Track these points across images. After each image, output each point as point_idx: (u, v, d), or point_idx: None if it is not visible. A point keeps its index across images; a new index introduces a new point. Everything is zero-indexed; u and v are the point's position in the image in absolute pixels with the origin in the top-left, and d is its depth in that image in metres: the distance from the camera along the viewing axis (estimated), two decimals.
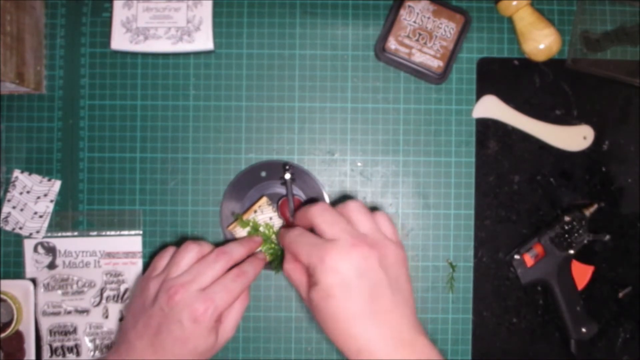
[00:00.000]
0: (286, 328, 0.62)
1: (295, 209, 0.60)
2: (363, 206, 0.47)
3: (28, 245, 0.62)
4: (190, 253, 0.51)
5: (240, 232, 0.60)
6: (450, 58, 0.61)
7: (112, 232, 0.62)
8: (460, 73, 0.63)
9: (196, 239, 0.62)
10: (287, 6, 0.63)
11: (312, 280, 0.43)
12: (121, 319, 0.62)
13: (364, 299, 0.41)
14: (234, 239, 0.60)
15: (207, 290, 0.48)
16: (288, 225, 0.58)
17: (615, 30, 0.63)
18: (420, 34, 0.61)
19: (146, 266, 0.62)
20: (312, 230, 0.47)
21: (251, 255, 0.56)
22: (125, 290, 0.62)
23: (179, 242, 0.62)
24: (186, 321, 0.46)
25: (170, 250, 0.53)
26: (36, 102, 0.63)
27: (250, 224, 0.60)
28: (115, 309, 0.62)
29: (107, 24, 0.62)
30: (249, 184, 0.62)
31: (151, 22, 0.61)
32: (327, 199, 0.62)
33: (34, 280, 0.62)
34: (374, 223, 0.46)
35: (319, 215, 0.45)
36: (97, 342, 0.62)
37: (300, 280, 0.46)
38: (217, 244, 0.54)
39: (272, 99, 0.63)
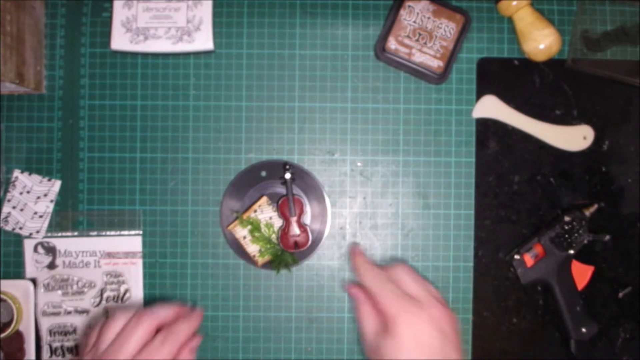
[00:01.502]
0: (286, 328, 0.62)
1: (300, 213, 0.60)
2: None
3: (28, 245, 0.62)
4: (117, 322, 0.48)
5: (241, 231, 0.60)
6: (450, 58, 0.61)
7: (112, 232, 0.62)
8: (460, 73, 0.63)
9: (195, 240, 0.62)
10: (287, 6, 0.63)
11: (386, 327, 0.45)
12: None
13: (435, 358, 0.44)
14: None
15: None
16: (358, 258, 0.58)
17: (615, 30, 0.63)
18: (420, 34, 0.61)
19: (146, 265, 0.62)
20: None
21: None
22: (125, 291, 0.62)
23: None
24: None
25: (100, 323, 0.50)
26: (36, 102, 0.63)
27: (250, 221, 0.60)
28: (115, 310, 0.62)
29: (107, 24, 0.62)
30: (249, 183, 0.62)
31: (151, 22, 0.61)
32: (327, 199, 0.62)
33: (34, 280, 0.62)
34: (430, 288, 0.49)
35: (406, 273, 0.48)
36: None
37: (372, 324, 0.48)
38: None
39: (272, 99, 0.63)
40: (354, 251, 0.51)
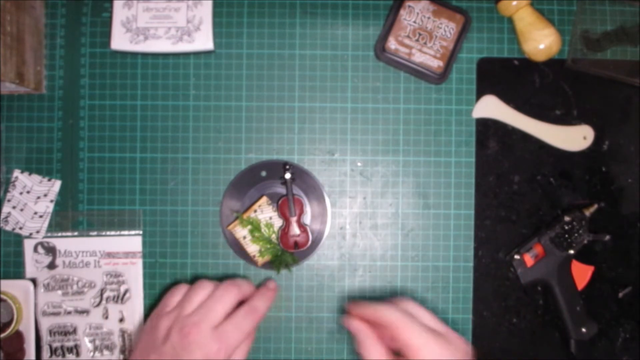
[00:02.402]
0: (286, 328, 0.62)
1: (300, 213, 0.60)
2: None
3: (28, 245, 0.62)
4: (204, 290, 0.51)
5: (241, 231, 0.60)
6: (450, 58, 0.61)
7: (112, 232, 0.62)
8: (460, 73, 0.63)
9: (195, 240, 0.62)
10: (287, 6, 0.63)
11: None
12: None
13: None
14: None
15: (220, 330, 0.48)
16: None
17: (615, 30, 0.63)
18: (420, 34, 0.61)
19: (146, 265, 0.62)
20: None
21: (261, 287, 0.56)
22: (125, 291, 0.62)
23: (191, 280, 0.62)
24: None
25: (183, 287, 0.53)
26: (36, 102, 0.63)
27: (251, 220, 0.60)
28: (115, 310, 0.62)
29: (107, 24, 0.62)
30: (249, 183, 0.62)
31: (151, 22, 0.61)
32: (327, 199, 0.62)
33: (34, 280, 0.62)
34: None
35: (418, 307, 0.50)
36: (97, 342, 0.62)
37: (380, 356, 0.48)
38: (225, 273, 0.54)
39: (272, 99, 0.63)
40: (350, 306, 0.51)
